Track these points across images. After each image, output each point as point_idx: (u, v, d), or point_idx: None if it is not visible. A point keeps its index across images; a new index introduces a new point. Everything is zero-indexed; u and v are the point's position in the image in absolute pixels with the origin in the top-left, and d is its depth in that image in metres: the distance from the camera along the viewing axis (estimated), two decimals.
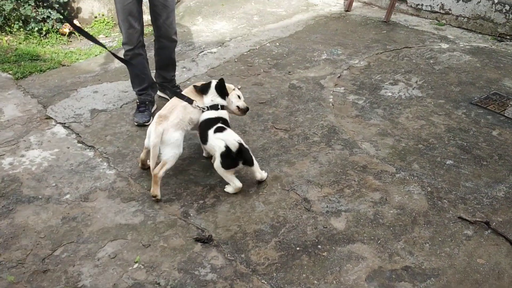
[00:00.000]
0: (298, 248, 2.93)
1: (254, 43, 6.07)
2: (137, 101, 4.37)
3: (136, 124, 4.21)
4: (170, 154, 3.28)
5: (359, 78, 5.19)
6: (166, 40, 4.30)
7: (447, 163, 3.76)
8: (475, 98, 4.77)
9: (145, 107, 4.32)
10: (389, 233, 3.07)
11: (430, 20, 7.02)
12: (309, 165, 3.72)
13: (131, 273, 2.71)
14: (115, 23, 6.59)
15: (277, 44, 6.06)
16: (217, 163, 3.27)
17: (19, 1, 5.78)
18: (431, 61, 5.61)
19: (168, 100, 4.38)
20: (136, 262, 2.78)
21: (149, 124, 3.95)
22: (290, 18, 7.04)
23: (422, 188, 3.48)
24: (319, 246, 2.95)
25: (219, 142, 3.22)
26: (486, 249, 2.95)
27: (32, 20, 5.87)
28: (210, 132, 3.32)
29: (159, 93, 4.76)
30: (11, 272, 2.67)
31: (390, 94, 4.86)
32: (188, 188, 3.42)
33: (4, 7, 5.70)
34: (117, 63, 5.38)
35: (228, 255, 2.85)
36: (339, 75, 5.27)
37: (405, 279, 2.72)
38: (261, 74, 5.24)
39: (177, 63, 5.13)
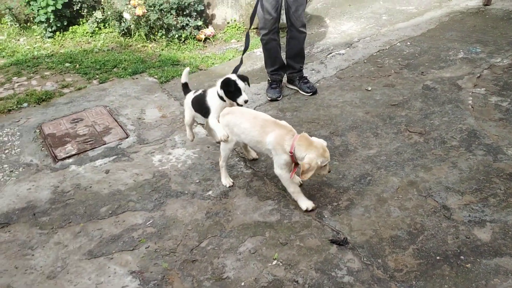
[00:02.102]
0: (438, 258, 2.82)
1: (383, 43, 5.93)
2: (269, 79, 4.96)
3: (269, 99, 4.84)
4: None
5: (502, 78, 4.80)
6: (295, 31, 4.69)
7: None
8: None
9: (277, 85, 4.95)
10: None
11: None
12: (447, 171, 3.55)
13: (271, 269, 2.84)
14: (246, 28, 6.89)
15: (408, 43, 5.85)
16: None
17: (162, 11, 6.32)
18: None
19: (298, 91, 4.96)
20: (274, 259, 2.90)
21: (279, 99, 4.78)
22: (422, 15, 6.75)
23: None
24: (462, 257, 2.81)
25: None
26: None
27: (173, 28, 6.39)
28: None
29: (288, 85, 5.10)
30: (165, 259, 2.96)
31: None
32: (321, 190, 3.47)
33: (150, 17, 6.29)
34: (249, 67, 5.64)
35: (365, 259, 2.85)
36: (478, 75, 4.93)
37: None
38: (392, 75, 5.11)
39: (305, 66, 5.26)
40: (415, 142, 3.91)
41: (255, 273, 2.82)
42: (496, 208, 3.15)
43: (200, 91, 3.77)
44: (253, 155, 3.87)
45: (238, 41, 6.59)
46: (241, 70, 5.50)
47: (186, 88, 3.96)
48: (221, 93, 3.53)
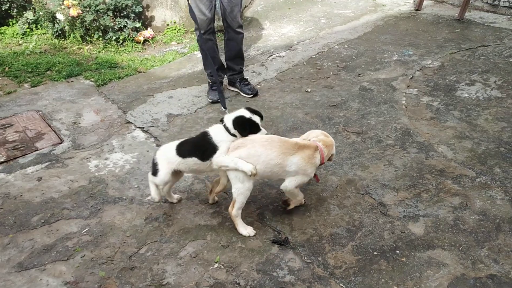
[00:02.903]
0: (375, 253, 2.90)
1: (322, 45, 6.06)
2: (209, 81, 4.90)
3: (210, 101, 4.78)
4: None
5: (432, 79, 5.04)
6: (233, 32, 4.69)
7: None
8: None
9: (217, 87, 4.65)
10: (471, 239, 2.96)
11: (508, 17, 6.68)
12: (383, 169, 3.66)
13: (212, 272, 2.80)
14: (186, 30, 6.82)
15: (346, 46, 6.01)
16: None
17: (98, 13, 6.13)
18: (511, 60, 5.34)
19: (239, 93, 4.91)
20: (216, 262, 2.87)
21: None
22: (358, 19, 6.96)
23: (506, 193, 3.33)
24: (397, 251, 2.90)
25: None
26: None
27: (110, 29, 6.21)
28: None
29: (229, 87, 5.08)
30: (102, 268, 2.84)
31: (466, 95, 4.68)
32: (263, 191, 3.48)
33: (85, 18, 6.07)
34: (190, 69, 5.57)
35: (305, 258, 2.88)
36: (411, 76, 5.14)
37: None
38: (331, 77, 5.22)
39: (246, 68, 5.28)
40: (353, 142, 4.02)
41: (196, 277, 2.77)
42: (428, 203, 3.28)
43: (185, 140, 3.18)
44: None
45: (178, 43, 6.50)
46: (181, 73, 5.47)
47: None
48: (236, 132, 3.02)
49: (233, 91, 5.00)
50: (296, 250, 2.94)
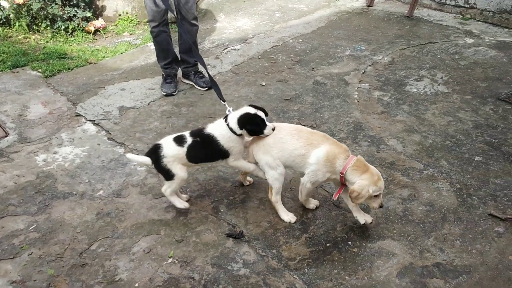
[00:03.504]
0: (328, 244, 2.96)
1: (277, 39, 6.09)
2: (163, 74, 4.82)
3: (164, 94, 4.68)
4: None
5: (383, 74, 5.18)
6: (187, 24, 4.61)
7: (475, 159, 3.75)
8: (503, 93, 4.73)
9: (171, 79, 4.82)
10: (419, 229, 3.07)
11: (454, 15, 6.95)
12: None
13: (166, 267, 2.77)
14: (139, 21, 6.67)
15: (300, 40, 6.07)
16: None
17: (46, 1, 5.88)
18: (456, 56, 5.56)
19: (193, 86, 4.84)
20: (170, 257, 2.84)
21: (175, 95, 4.59)
22: (312, 14, 7.04)
23: (451, 184, 3.48)
24: (350, 242, 2.97)
25: None
26: None
27: (59, 18, 5.97)
28: None
29: (183, 79, 5.02)
30: (51, 265, 2.75)
31: (415, 90, 4.84)
32: (218, 185, 3.47)
33: (32, 6, 5.81)
34: (143, 61, 5.46)
35: (260, 251, 2.90)
36: (363, 71, 5.26)
37: (437, 276, 2.73)
38: (285, 70, 5.26)
39: None
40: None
41: (149, 273, 2.73)
42: None
43: (189, 139, 3.02)
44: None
45: (131, 34, 6.34)
46: (133, 64, 5.35)
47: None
48: (243, 132, 2.97)
49: (187, 84, 4.94)
50: (250, 243, 2.96)
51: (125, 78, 5.04)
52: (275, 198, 3.08)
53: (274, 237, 3.01)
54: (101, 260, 2.81)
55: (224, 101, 3.38)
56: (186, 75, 4.94)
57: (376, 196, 2.82)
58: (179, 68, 4.92)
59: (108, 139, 3.97)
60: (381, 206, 2.89)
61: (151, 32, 4.60)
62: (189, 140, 3.00)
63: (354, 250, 2.92)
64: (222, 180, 3.52)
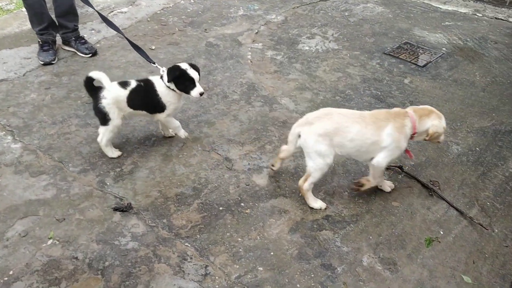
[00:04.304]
0: (221, 208, 2.90)
1: (167, 1, 5.79)
2: (39, 40, 4.38)
3: (42, 63, 4.27)
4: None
5: (276, 33, 5.14)
6: None
7: None
8: (388, 48, 4.91)
9: (49, 46, 4.38)
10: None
11: None
12: (229, 124, 3.66)
13: (45, 250, 2.55)
14: None
15: (192, 1, 5.83)
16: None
17: None
18: (346, 14, 5.67)
19: (76, 53, 4.48)
20: (50, 238, 2.62)
21: (54, 63, 4.27)
22: None
23: None
24: (242, 204, 2.94)
25: None
26: (400, 192, 3.09)
27: None
28: None
29: (64, 46, 4.61)
30: None
31: (307, 48, 4.86)
32: (103, 157, 3.25)
33: None
34: (17, 28, 4.93)
35: (149, 222, 2.77)
36: (256, 31, 5.18)
37: (326, 228, 2.79)
38: (176, 33, 5.03)
39: (84, 25, 4.86)
40: (199, 99, 3.93)
41: (26, 257, 2.50)
42: (272, 154, 3.37)
43: (134, 82, 3.12)
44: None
45: None
46: (6, 32, 4.82)
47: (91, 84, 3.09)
48: (171, 85, 3.06)
49: (69, 51, 4.54)
50: (139, 215, 2.81)
51: None
52: (308, 186, 2.85)
53: (164, 206, 2.88)
54: None
55: (153, 62, 3.36)
56: (66, 42, 4.53)
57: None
58: (58, 34, 4.50)
59: None
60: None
61: None
62: (133, 84, 3.10)
63: (247, 211, 2.89)
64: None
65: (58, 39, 4.55)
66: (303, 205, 2.94)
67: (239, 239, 2.70)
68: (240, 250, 2.63)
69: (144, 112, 3.21)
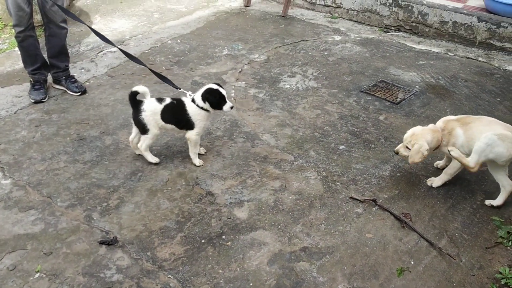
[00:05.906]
0: (203, 241, 3.03)
1: (155, 40, 6.04)
2: (31, 80, 4.57)
3: (32, 101, 4.45)
4: None
5: (259, 72, 5.39)
6: (55, 27, 4.43)
7: (340, 148, 4.06)
8: (365, 86, 5.17)
9: (41, 85, 4.57)
10: (288, 218, 3.27)
11: (324, 14, 7.42)
12: (212, 160, 3.83)
13: (32, 283, 2.65)
14: (5, 24, 6.21)
15: (179, 41, 6.09)
16: None
17: None
18: (326, 53, 5.96)
19: (66, 91, 4.66)
20: (37, 272, 2.72)
21: (45, 101, 4.43)
22: (191, 14, 7.09)
23: (318, 173, 3.74)
24: (224, 237, 3.08)
25: None
26: (374, 224, 3.25)
27: None
28: None
29: (54, 85, 4.78)
30: None
31: (288, 86, 5.10)
32: (91, 192, 3.38)
33: None
34: (9, 67, 5.12)
35: (134, 254, 2.89)
36: (240, 70, 5.42)
37: (303, 259, 2.94)
38: (163, 72, 5.24)
39: (74, 64, 5.05)
40: (184, 135, 4.10)
41: None
42: (253, 188, 3.53)
43: (168, 99, 3.59)
44: None
45: None
46: None
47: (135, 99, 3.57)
48: (206, 105, 3.51)
49: (59, 89, 4.72)
50: (124, 248, 2.93)
51: None
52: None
53: (149, 239, 3.01)
54: None
55: (179, 88, 3.76)
56: (57, 81, 4.71)
57: None
58: (49, 74, 4.69)
59: None
60: None
61: (16, 37, 4.33)
62: (168, 100, 3.56)
63: (228, 243, 3.03)
64: (95, 187, 3.44)
65: (49, 77, 4.73)
66: (282, 237, 3.09)
67: (220, 270, 2.83)
68: (221, 281, 2.75)
69: (173, 127, 3.61)
